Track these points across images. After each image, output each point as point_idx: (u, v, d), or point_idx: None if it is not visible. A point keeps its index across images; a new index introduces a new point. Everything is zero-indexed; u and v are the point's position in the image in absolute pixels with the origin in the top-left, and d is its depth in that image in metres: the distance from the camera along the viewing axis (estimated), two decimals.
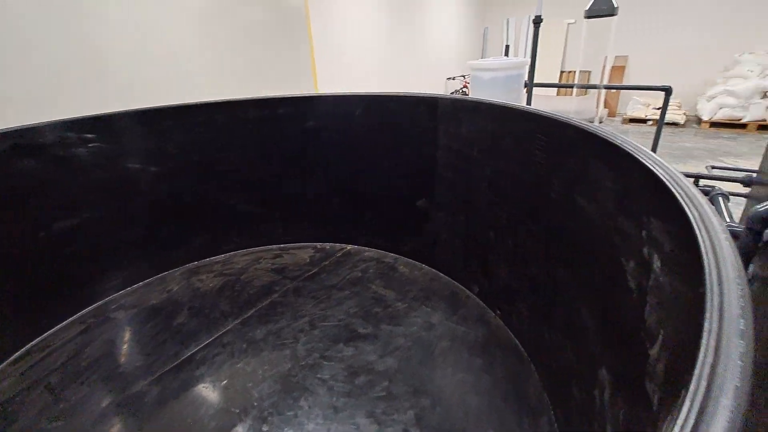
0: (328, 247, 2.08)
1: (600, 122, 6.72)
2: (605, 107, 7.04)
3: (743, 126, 5.57)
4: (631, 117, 6.53)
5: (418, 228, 1.82)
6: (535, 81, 7.62)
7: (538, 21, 1.89)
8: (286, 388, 1.20)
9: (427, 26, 5.73)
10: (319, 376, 1.24)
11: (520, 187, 1.25)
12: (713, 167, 1.83)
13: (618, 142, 0.76)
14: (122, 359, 1.36)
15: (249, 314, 1.55)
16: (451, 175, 1.59)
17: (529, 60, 1.94)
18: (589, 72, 7.64)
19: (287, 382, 1.22)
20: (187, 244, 1.92)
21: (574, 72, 7.69)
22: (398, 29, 4.83)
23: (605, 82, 7.43)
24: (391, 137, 1.72)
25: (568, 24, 7.27)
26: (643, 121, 6.27)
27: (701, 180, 1.68)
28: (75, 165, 1.51)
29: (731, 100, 5.63)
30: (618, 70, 7.29)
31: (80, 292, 1.61)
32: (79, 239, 1.56)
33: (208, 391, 1.21)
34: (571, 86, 2.08)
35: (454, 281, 1.70)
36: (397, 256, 1.94)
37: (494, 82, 2.02)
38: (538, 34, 1.77)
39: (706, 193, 1.61)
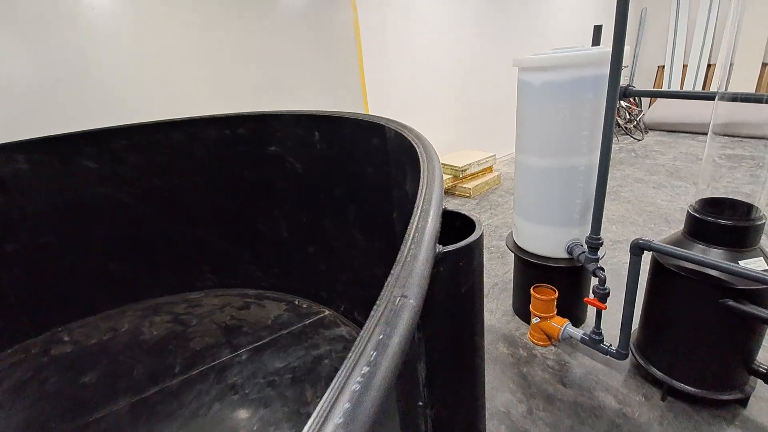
0: (304, 306, 1.62)
1: None
2: None
3: None
4: None
5: None
6: (683, 79, 4.73)
7: None
8: None
9: (545, 15, 4.29)
10: None
11: None
12: None
13: None
14: None
15: (149, 394, 1.23)
16: None
17: (610, 50, 0.91)
18: None
19: None
20: (155, 278, 1.73)
21: None
22: (495, 20, 3.77)
23: None
24: (349, 176, 1.15)
25: None
26: None
27: None
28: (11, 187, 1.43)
29: None
30: None
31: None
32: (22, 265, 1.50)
33: None
34: (712, 97, 0.99)
35: None
36: None
37: (552, 90, 1.05)
38: (627, 5, 0.80)
39: None
